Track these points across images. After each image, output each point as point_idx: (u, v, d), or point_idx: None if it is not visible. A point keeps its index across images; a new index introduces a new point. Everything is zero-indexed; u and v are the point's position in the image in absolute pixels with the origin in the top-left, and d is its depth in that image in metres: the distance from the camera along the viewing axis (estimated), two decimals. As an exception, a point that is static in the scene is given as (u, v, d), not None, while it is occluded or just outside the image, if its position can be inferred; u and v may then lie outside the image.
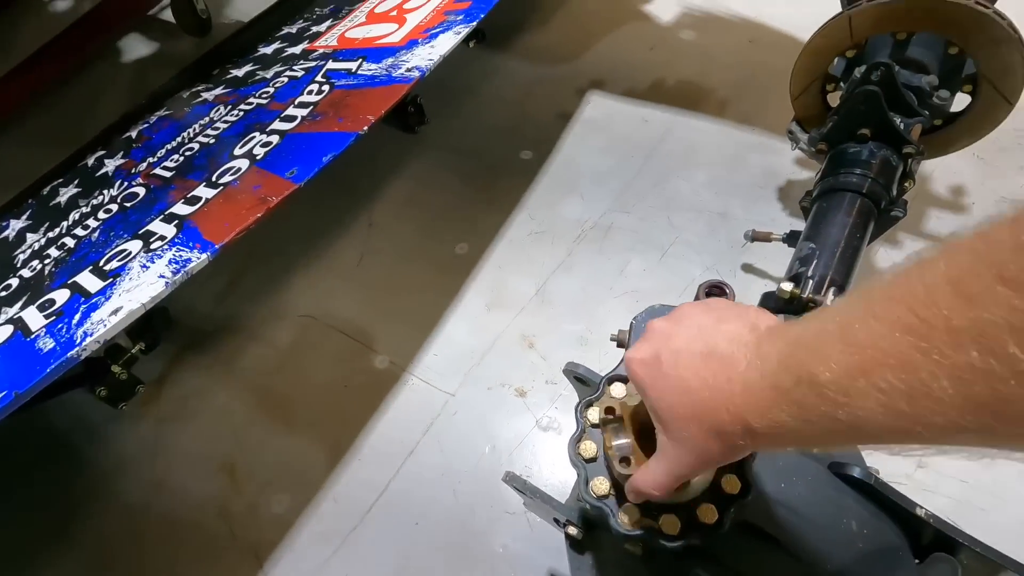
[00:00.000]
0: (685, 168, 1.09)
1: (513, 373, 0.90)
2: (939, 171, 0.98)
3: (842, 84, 0.80)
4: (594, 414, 0.42)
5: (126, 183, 0.88)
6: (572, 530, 0.47)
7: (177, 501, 0.85)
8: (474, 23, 0.78)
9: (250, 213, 0.58)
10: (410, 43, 0.82)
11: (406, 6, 0.96)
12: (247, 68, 1.03)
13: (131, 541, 0.83)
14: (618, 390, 0.42)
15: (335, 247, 1.09)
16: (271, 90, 0.89)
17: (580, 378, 0.53)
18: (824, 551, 0.39)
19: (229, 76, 1.03)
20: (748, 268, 0.95)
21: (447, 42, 0.77)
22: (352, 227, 1.11)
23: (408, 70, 0.75)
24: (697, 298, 0.46)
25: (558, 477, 0.80)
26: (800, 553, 0.38)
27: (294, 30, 1.10)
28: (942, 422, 0.20)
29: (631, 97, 1.22)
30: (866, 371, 0.21)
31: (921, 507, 0.40)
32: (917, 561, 0.42)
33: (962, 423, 0.19)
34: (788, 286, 0.56)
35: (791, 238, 0.83)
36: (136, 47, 1.61)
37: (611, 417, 0.40)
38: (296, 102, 0.82)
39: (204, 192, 0.69)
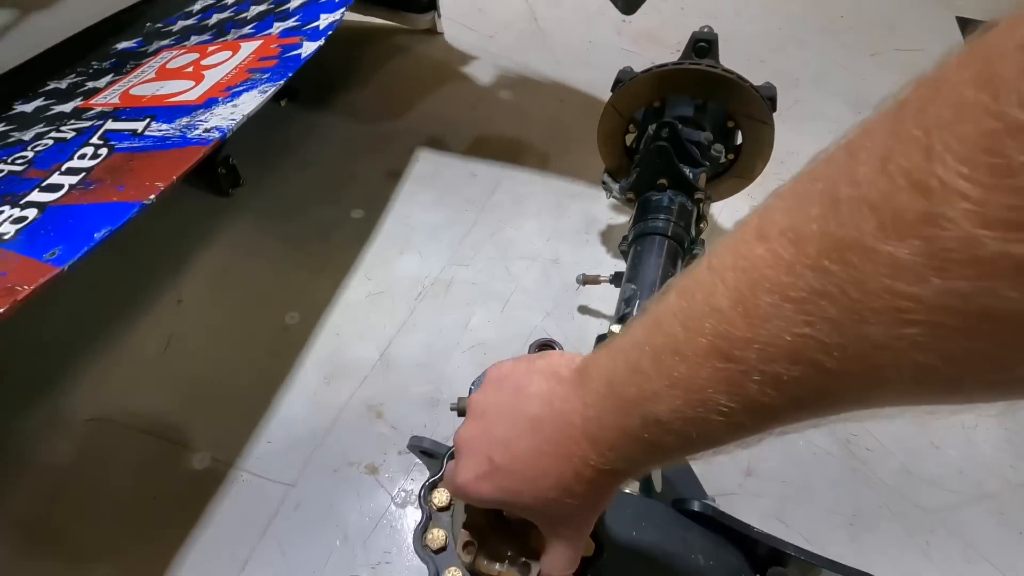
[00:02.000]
0: (516, 219, 1.13)
1: (361, 449, 0.82)
2: (725, 212, 1.14)
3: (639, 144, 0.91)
4: (441, 496, 0.38)
5: None
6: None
7: None
8: (281, 82, 0.73)
9: (-11, 310, 0.46)
10: (208, 102, 0.75)
11: (204, 62, 0.87)
12: (-3, 129, 0.85)
13: None
14: None
15: (133, 332, 0.93)
16: (29, 155, 0.74)
17: (427, 451, 0.50)
18: (679, 592, 0.39)
19: (-30, 138, 0.84)
20: (584, 309, 1.00)
21: (251, 101, 0.71)
22: (155, 307, 0.96)
23: (206, 131, 0.68)
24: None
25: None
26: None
27: (63, 85, 0.94)
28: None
29: (458, 153, 1.24)
30: (702, 401, 0.22)
31: (754, 528, 0.43)
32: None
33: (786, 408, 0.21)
34: (617, 327, 0.59)
35: (616, 279, 0.90)
36: None
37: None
38: (63, 168, 0.69)
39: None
